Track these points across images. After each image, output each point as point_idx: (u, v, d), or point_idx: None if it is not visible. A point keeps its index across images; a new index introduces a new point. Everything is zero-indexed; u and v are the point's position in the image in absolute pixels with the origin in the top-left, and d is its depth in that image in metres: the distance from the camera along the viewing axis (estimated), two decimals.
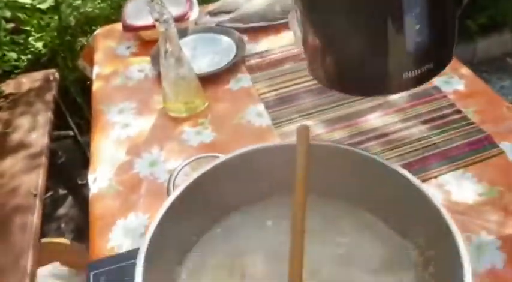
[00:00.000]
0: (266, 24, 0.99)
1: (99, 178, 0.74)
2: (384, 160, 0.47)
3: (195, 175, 0.47)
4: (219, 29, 0.99)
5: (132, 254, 0.59)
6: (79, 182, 1.28)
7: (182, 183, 0.47)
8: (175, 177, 0.50)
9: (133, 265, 0.57)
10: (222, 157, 0.49)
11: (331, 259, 0.49)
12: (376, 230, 0.52)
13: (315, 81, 0.88)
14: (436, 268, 0.46)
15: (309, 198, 0.48)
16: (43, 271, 1.05)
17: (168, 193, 0.49)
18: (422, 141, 0.74)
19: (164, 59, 0.78)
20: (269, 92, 0.86)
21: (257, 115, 0.81)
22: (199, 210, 0.49)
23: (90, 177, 0.75)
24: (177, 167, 0.51)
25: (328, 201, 0.53)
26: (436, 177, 0.68)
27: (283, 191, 0.53)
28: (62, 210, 1.40)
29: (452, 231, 0.41)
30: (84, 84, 1.40)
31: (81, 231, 1.33)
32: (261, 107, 0.83)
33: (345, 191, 0.53)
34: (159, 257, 0.45)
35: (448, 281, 0.43)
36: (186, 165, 0.51)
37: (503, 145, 0.72)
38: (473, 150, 0.72)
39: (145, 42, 1.02)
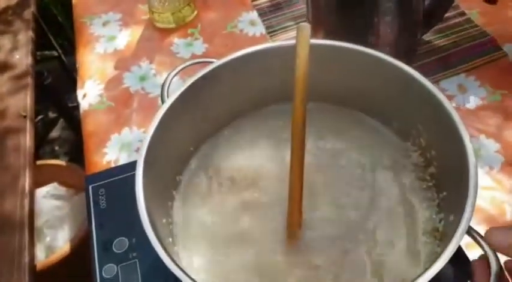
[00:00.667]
0: None
1: (89, 94, 0.71)
2: (389, 57, 0.44)
3: (189, 81, 0.45)
4: None
5: (131, 166, 0.58)
6: (69, 105, 1.24)
7: (177, 90, 0.44)
8: (170, 83, 0.48)
9: (132, 176, 0.57)
10: (217, 61, 0.46)
11: (331, 162, 0.49)
12: (377, 133, 0.51)
13: None
14: (437, 168, 0.46)
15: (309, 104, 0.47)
16: (41, 192, 1.06)
17: (162, 101, 0.47)
18: (424, 46, 0.71)
19: None
20: None
21: (250, 23, 0.77)
22: (195, 118, 0.47)
23: (79, 92, 0.72)
24: (171, 73, 0.48)
25: (328, 106, 0.52)
26: (438, 82, 0.66)
27: (281, 98, 0.51)
28: (54, 133, 1.38)
29: (458, 129, 0.40)
30: (65, 2, 1.32)
31: (76, 153, 1.33)
32: (254, 15, 0.78)
33: (345, 95, 0.51)
34: (158, 165, 0.44)
35: (450, 180, 0.43)
36: (180, 70, 0.48)
37: (507, 48, 0.69)
38: (477, 53, 0.69)
39: None
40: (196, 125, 0.48)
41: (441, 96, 0.41)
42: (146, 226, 0.38)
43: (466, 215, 0.35)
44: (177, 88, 0.46)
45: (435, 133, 0.45)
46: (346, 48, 0.46)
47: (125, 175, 0.57)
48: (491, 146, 0.60)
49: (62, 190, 1.09)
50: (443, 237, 0.42)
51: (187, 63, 0.49)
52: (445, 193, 0.44)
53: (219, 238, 0.45)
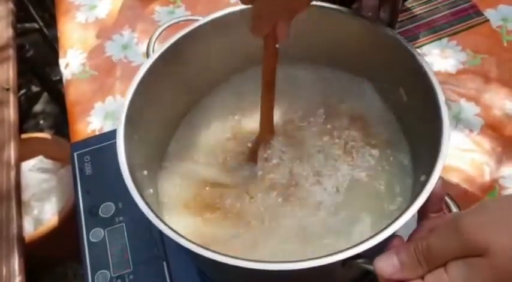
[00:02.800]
0: None
1: (71, 63, 0.70)
2: (373, 22, 0.44)
3: (174, 37, 0.44)
4: None
5: (115, 133, 0.58)
6: (53, 78, 1.22)
7: (161, 47, 0.44)
8: (155, 42, 0.47)
9: None
10: (202, 19, 0.45)
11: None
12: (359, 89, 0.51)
13: None
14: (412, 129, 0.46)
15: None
16: (27, 165, 1.05)
17: (148, 57, 0.46)
18: (406, 13, 0.70)
19: None
20: None
21: None
22: (180, 78, 0.47)
23: (62, 62, 0.71)
24: (157, 30, 0.47)
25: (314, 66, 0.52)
26: (420, 47, 0.66)
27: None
28: (38, 107, 1.36)
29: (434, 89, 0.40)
30: None
31: (61, 126, 1.32)
32: None
33: (330, 55, 0.51)
34: (141, 126, 0.43)
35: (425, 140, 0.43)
36: (166, 28, 0.48)
37: (488, 13, 0.69)
38: (458, 18, 0.69)
39: None
40: (178, 89, 0.47)
41: (421, 59, 0.41)
42: (126, 177, 0.37)
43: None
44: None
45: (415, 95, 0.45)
46: (331, 10, 0.46)
47: (110, 142, 0.57)
48: (471, 109, 0.61)
49: (48, 163, 1.08)
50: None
51: (172, 21, 0.49)
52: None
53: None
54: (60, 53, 0.72)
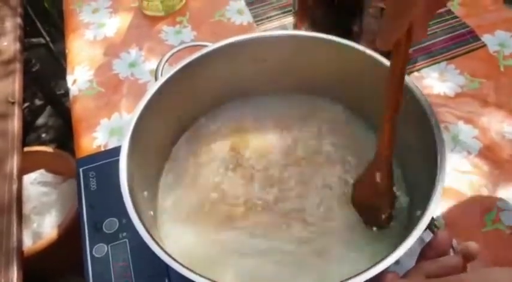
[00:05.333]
0: None
1: (79, 80, 0.71)
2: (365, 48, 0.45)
3: (182, 62, 0.45)
4: None
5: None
6: (58, 92, 1.23)
7: (170, 70, 0.45)
8: (164, 64, 0.48)
9: None
10: (211, 45, 0.47)
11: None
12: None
13: None
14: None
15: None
16: (29, 178, 1.05)
17: (156, 79, 0.47)
18: None
19: None
20: None
21: (238, 12, 0.78)
22: (187, 99, 0.48)
23: (69, 78, 0.72)
24: (166, 55, 0.49)
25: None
26: (418, 70, 0.68)
27: (269, 88, 0.52)
28: (41, 120, 1.36)
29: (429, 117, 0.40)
30: None
31: (63, 140, 1.32)
32: (241, 4, 0.79)
33: (324, 85, 0.52)
34: (144, 147, 0.44)
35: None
36: (175, 52, 0.49)
37: (485, 38, 0.71)
38: (457, 43, 0.71)
39: None
40: (183, 109, 0.48)
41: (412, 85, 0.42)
42: (127, 202, 0.38)
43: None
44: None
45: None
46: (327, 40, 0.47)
47: (115, 158, 0.57)
48: (469, 131, 0.62)
49: (49, 177, 1.08)
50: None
51: (182, 46, 0.50)
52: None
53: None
54: (68, 70, 0.73)
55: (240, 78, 0.50)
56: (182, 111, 0.49)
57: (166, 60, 0.49)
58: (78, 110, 0.68)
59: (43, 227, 1.03)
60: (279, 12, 0.76)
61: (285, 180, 0.47)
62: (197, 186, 0.49)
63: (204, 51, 0.47)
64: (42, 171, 1.07)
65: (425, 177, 0.40)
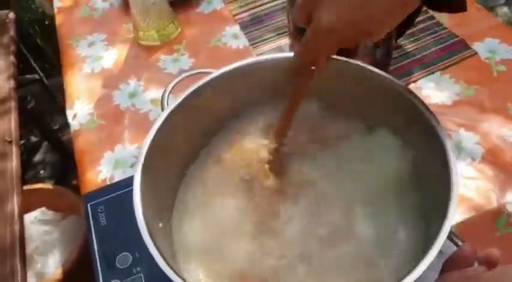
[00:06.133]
0: None
1: (79, 114, 0.71)
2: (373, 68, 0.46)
3: (188, 90, 0.45)
4: None
5: (128, 182, 0.58)
6: (54, 127, 1.22)
7: (176, 99, 0.45)
8: (169, 94, 0.48)
9: (131, 192, 0.57)
10: (215, 72, 0.47)
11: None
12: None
13: None
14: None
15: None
16: (29, 217, 1.03)
17: (162, 108, 0.47)
18: (399, 50, 0.73)
19: None
20: (243, 12, 0.82)
21: (233, 37, 0.79)
22: (195, 127, 0.48)
23: (69, 113, 0.72)
24: (169, 85, 0.49)
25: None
26: (415, 81, 0.69)
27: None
28: (37, 157, 1.35)
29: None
30: (43, 25, 1.31)
31: (62, 176, 1.31)
32: (236, 29, 0.80)
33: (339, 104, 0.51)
34: (155, 175, 0.44)
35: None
36: (180, 81, 0.49)
37: (476, 46, 0.73)
38: (448, 53, 0.72)
39: None
40: (192, 134, 0.48)
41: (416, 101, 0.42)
42: (145, 236, 0.37)
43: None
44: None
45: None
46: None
47: (123, 191, 0.57)
48: (471, 138, 0.62)
49: (50, 214, 1.06)
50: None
51: (187, 74, 0.50)
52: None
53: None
54: (67, 104, 0.73)
55: (248, 100, 0.50)
56: (191, 139, 0.48)
57: (171, 90, 0.49)
58: (81, 144, 0.68)
59: (47, 267, 1.01)
60: (273, 34, 0.77)
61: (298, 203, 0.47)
62: (208, 218, 0.48)
63: (209, 78, 0.47)
64: (42, 209, 1.05)
65: (439, 191, 0.40)
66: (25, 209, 1.05)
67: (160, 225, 0.43)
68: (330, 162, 0.49)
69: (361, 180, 0.47)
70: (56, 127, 1.22)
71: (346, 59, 0.46)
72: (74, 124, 0.70)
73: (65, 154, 1.19)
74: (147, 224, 0.38)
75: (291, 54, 0.46)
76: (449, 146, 0.39)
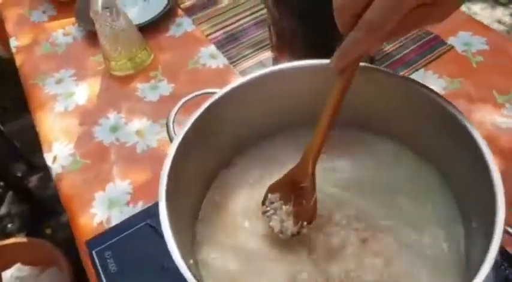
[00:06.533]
0: None
1: (59, 156, 0.65)
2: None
3: (196, 113, 0.42)
4: None
5: (132, 221, 0.54)
6: (17, 175, 1.13)
7: (185, 123, 0.41)
8: (174, 119, 0.44)
9: (138, 231, 0.52)
10: (220, 91, 0.44)
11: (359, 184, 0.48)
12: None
13: (260, 13, 0.84)
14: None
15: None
16: (6, 276, 0.94)
17: (170, 138, 0.43)
18: (379, 52, 0.74)
19: (97, 13, 0.68)
20: (216, 31, 0.80)
21: (211, 57, 0.76)
22: (208, 152, 0.44)
23: (47, 156, 0.65)
24: (173, 109, 0.45)
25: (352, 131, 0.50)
26: None
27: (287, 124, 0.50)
28: (3, 210, 1.24)
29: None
30: None
31: (32, 226, 1.20)
32: (212, 48, 0.77)
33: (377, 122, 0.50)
34: (177, 204, 0.40)
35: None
36: (184, 103, 0.45)
37: (451, 41, 0.74)
38: (427, 50, 0.73)
39: (62, 3, 0.89)
40: (206, 157, 0.45)
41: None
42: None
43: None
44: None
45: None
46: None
47: (128, 232, 0.52)
48: None
49: (26, 270, 0.98)
50: None
51: (188, 96, 0.47)
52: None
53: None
54: (44, 148, 0.67)
55: (256, 120, 0.47)
56: (205, 166, 0.45)
57: (173, 121, 0.46)
58: (66, 188, 0.62)
59: None
60: (252, 50, 0.75)
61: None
62: (231, 248, 0.45)
63: (214, 98, 0.44)
64: (18, 265, 0.96)
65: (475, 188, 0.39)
66: (1, 267, 0.96)
67: (191, 261, 0.39)
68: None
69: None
70: (19, 175, 1.13)
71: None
72: (54, 168, 0.64)
73: (32, 203, 1.09)
74: (185, 264, 0.33)
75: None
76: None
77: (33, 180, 1.32)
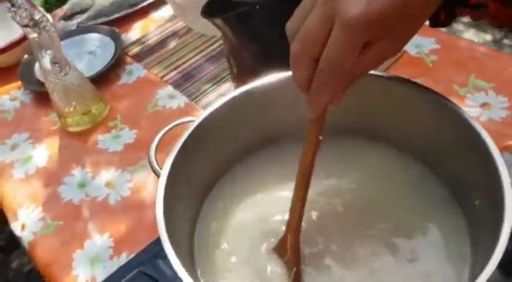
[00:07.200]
0: (132, 11, 0.99)
1: (28, 223, 0.67)
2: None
3: (177, 144, 0.46)
4: (85, 29, 0.95)
5: (122, 272, 0.56)
6: None
7: (169, 156, 0.46)
8: (155, 153, 0.49)
9: (133, 279, 0.56)
10: (197, 119, 0.49)
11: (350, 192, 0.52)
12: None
13: (210, 49, 0.92)
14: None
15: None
16: None
17: (156, 173, 0.47)
18: None
19: (46, 71, 0.73)
20: (170, 72, 0.86)
21: (169, 97, 0.81)
22: (193, 177, 0.49)
23: (14, 225, 0.68)
24: (152, 144, 0.49)
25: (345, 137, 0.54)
26: None
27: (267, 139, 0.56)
28: None
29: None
30: None
31: None
32: (170, 89, 0.83)
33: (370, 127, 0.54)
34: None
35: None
36: (163, 135, 0.50)
37: None
38: None
39: (2, 69, 0.94)
40: (194, 185, 0.49)
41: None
42: None
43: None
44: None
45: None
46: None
47: None
48: None
49: None
50: None
51: (167, 128, 0.51)
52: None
53: None
54: (10, 217, 0.69)
55: (237, 138, 0.53)
56: (192, 191, 0.49)
57: (155, 155, 0.50)
58: (42, 254, 0.64)
59: None
60: (210, 84, 0.82)
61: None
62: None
63: (194, 126, 0.49)
64: None
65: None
66: None
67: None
68: None
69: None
70: None
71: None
72: (25, 235, 0.66)
73: None
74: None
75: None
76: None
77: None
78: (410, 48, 0.83)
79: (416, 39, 0.84)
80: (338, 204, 0.51)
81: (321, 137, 0.40)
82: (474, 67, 0.77)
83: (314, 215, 0.50)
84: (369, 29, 0.32)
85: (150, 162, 0.49)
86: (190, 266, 0.46)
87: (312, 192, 0.44)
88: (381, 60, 0.36)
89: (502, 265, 0.34)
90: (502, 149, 0.66)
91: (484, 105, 0.71)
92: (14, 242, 1.47)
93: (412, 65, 0.80)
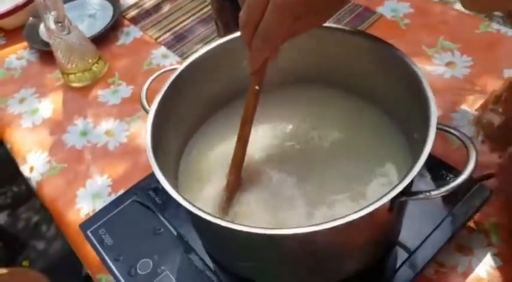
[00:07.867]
0: None
1: (36, 165, 0.76)
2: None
3: (165, 85, 0.55)
4: None
5: (119, 201, 0.65)
6: None
7: (157, 95, 0.54)
8: (146, 92, 0.57)
9: (125, 208, 0.65)
10: (181, 66, 0.57)
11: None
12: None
13: (202, 12, 0.98)
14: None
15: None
16: None
17: (146, 111, 0.55)
18: None
19: (50, 30, 0.81)
20: (164, 34, 0.94)
21: (163, 57, 0.90)
22: (179, 117, 0.57)
23: (23, 168, 0.77)
24: (144, 85, 0.57)
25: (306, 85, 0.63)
26: None
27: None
28: None
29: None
30: None
31: (6, 262, 1.26)
32: (163, 49, 0.91)
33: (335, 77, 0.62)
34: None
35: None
36: (151, 82, 0.58)
37: (380, 10, 0.91)
38: (360, 20, 0.90)
39: (10, 31, 1.02)
40: (180, 125, 0.58)
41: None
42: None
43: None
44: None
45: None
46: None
47: (118, 209, 0.64)
48: None
49: None
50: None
51: (154, 75, 0.59)
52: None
53: None
54: (19, 161, 0.78)
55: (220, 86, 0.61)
56: (177, 131, 0.58)
57: (147, 88, 0.58)
58: (48, 192, 0.73)
59: None
60: (201, 44, 0.89)
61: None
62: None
63: (176, 73, 0.57)
64: None
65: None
66: None
67: None
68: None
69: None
70: None
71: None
72: (33, 176, 0.75)
73: (3, 239, 1.16)
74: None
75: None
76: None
77: (1, 218, 1.40)
78: (386, 12, 0.90)
79: (392, 4, 0.91)
80: (299, 144, 0.59)
81: (257, 87, 0.49)
82: (444, 30, 0.85)
83: (275, 152, 0.58)
84: (294, 10, 0.42)
85: (141, 102, 0.57)
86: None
87: (272, 135, 0.53)
88: (307, 29, 0.47)
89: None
90: (460, 103, 0.75)
91: (449, 64, 0.79)
92: (21, 197, 1.56)
93: (387, 28, 0.88)
